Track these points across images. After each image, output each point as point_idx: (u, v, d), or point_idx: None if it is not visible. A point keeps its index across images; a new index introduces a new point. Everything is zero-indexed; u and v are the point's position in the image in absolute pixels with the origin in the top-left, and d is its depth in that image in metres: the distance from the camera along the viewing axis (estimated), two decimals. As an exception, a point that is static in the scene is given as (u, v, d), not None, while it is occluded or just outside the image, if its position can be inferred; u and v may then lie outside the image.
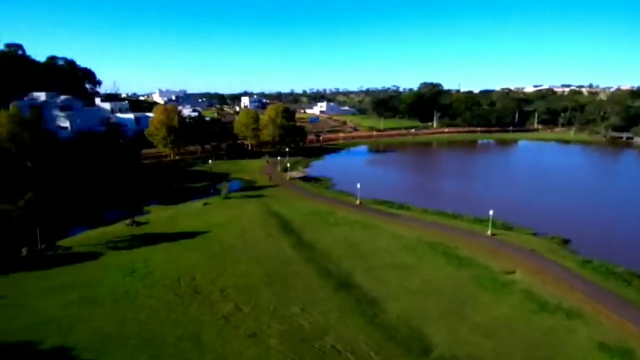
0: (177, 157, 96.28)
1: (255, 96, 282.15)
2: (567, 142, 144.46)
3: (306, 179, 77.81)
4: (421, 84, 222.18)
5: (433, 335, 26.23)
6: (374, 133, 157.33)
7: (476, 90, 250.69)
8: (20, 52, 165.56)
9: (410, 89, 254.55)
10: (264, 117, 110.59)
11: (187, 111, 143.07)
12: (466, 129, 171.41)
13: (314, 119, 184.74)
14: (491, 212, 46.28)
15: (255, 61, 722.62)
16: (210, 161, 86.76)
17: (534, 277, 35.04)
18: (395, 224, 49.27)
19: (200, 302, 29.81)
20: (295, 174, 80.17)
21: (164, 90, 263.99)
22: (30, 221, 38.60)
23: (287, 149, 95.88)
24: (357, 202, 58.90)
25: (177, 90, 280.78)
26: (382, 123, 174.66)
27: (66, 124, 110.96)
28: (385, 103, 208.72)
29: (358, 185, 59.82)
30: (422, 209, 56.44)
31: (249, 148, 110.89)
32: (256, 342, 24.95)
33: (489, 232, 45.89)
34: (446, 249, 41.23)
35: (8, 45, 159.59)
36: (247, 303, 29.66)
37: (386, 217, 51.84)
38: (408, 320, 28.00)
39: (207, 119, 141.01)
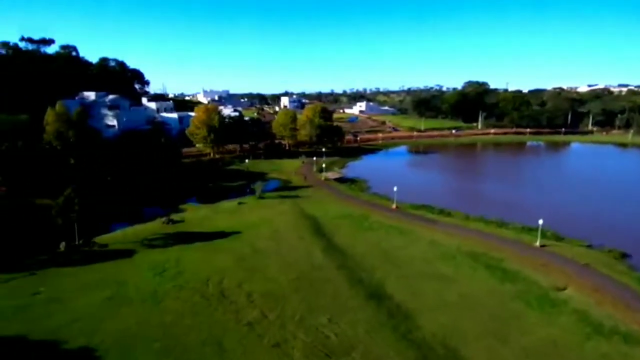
0: (216, 156, 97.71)
1: (294, 96, 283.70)
2: (624, 145, 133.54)
3: (342, 180, 76.23)
4: (466, 82, 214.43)
5: (471, 358, 23.92)
6: (414, 133, 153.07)
7: (525, 90, 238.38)
8: (74, 53, 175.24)
9: (454, 89, 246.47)
10: (302, 117, 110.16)
11: (227, 111, 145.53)
12: (514, 130, 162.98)
13: (353, 119, 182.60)
14: (540, 222, 42.66)
15: (296, 61, 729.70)
16: (247, 160, 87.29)
17: (588, 295, 31.61)
18: (433, 230, 46.69)
19: (226, 306, 29.09)
20: (330, 174, 78.82)
21: (208, 90, 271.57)
22: (68, 217, 39.69)
23: (323, 149, 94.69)
24: (394, 206, 56.62)
25: (221, 90, 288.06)
26: (423, 123, 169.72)
27: (114, 122, 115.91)
28: (427, 102, 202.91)
29: (395, 189, 57.51)
30: (463, 214, 53.32)
31: (287, 148, 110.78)
32: (279, 353, 23.78)
33: (537, 243, 42.34)
34: (489, 260, 38.30)
35: (63, 47, 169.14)
36: (273, 310, 28.59)
37: (424, 223, 49.30)
38: (444, 338, 25.80)
39: (247, 118, 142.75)
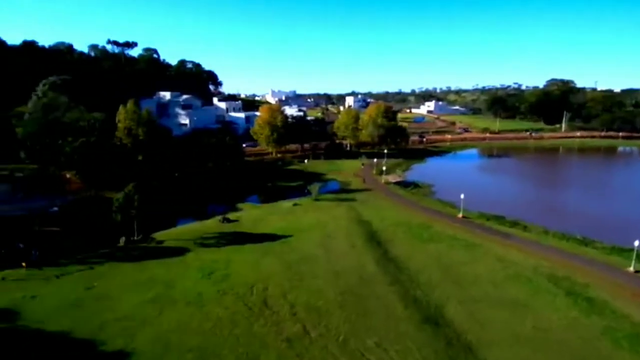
0: (277, 155, 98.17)
1: (360, 96, 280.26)
2: None
3: (403, 184, 72.09)
4: (548, 81, 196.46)
5: (547, 412, 19.76)
6: (488, 135, 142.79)
7: (617, 89, 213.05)
8: (155, 55, 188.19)
9: (535, 87, 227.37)
10: (365, 116, 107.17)
11: (292, 111, 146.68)
12: (603, 133, 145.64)
13: (419, 119, 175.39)
14: (637, 243, 35.94)
15: (364, 61, 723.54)
16: (306, 161, 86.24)
17: None
18: (504, 245, 41.54)
19: (267, 317, 27.42)
20: (391, 177, 74.99)
21: (276, 91, 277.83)
22: (128, 213, 40.81)
23: (385, 151, 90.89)
24: (460, 214, 51.77)
25: (288, 91, 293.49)
26: (497, 124, 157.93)
27: (186, 121, 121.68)
28: (502, 102, 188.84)
29: (462, 196, 52.61)
30: (541, 228, 47.20)
31: (348, 148, 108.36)
32: (317, 379, 21.49)
33: (631, 268, 35.79)
34: (572, 285, 32.80)
35: (145, 50, 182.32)
36: (316, 326, 26.34)
37: (494, 236, 44.17)
38: (512, 381, 21.79)
39: (311, 118, 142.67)
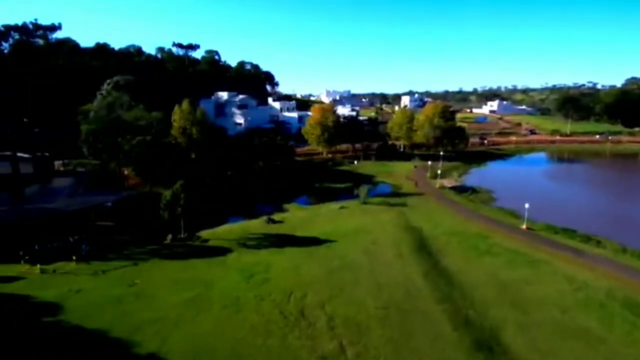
0: (327, 156, 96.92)
1: (417, 95, 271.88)
2: None
3: (459, 189, 67.52)
4: (627, 79, 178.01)
5: None
6: (557, 138, 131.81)
7: None
8: (216, 57, 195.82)
9: (612, 86, 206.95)
10: (420, 116, 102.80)
11: (345, 110, 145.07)
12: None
13: (481, 119, 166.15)
14: None
15: (421, 59, 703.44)
16: (356, 162, 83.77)
17: None
18: (574, 263, 36.76)
19: (302, 330, 25.81)
20: (446, 182, 70.63)
21: (331, 91, 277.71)
22: (174, 211, 41.28)
23: (441, 153, 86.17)
24: (523, 226, 47.01)
25: (342, 90, 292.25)
26: (569, 126, 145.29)
27: (241, 120, 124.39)
28: (575, 101, 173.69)
29: (527, 205, 47.78)
30: (618, 245, 41.45)
31: (401, 149, 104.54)
32: (350, 406, 19.49)
33: None
34: (656, 316, 27.89)
35: (207, 52, 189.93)
36: (354, 344, 24.29)
37: (562, 252, 39.32)
38: None
39: (363, 118, 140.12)
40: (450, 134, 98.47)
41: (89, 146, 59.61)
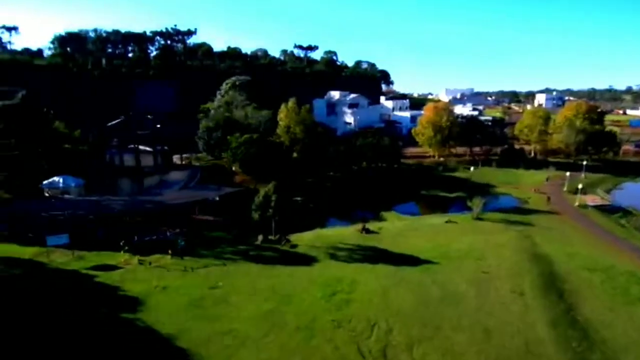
0: (439, 159, 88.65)
1: (555, 93, 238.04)
2: None
3: (607, 209, 54.30)
4: None
5: None
6: None
7: None
8: (334, 57, 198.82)
9: None
10: (558, 117, 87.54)
11: (465, 109, 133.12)
12: None
13: (636, 123, 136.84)
14: None
15: (560, 52, 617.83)
16: (473, 168, 74.07)
17: None
18: None
19: (381, 376, 21.34)
20: (589, 199, 57.57)
21: (451, 89, 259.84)
22: (265, 212, 40.00)
23: (584, 162, 71.39)
24: (703, 268, 34.66)
25: (464, 88, 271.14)
26: None
27: (351, 119, 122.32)
28: None
29: None
30: None
31: (531, 155, 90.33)
32: None
33: None
34: None
35: (326, 52, 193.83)
36: (444, 410, 18.97)
37: None
38: None
39: (486, 118, 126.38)
40: (596, 139, 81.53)
41: (203, 142, 62.87)
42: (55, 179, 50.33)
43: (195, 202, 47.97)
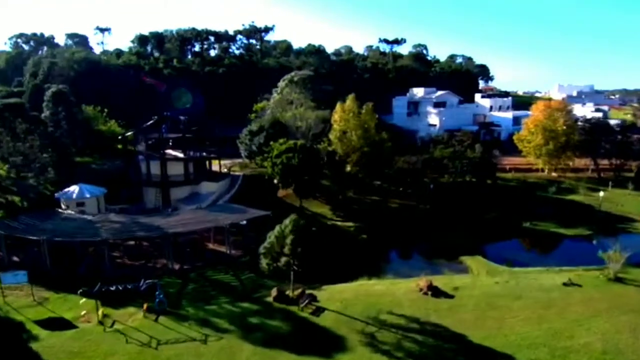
0: (552, 174, 68.41)
1: None
2: None
3: None
4: None
5: None
6: None
7: None
8: (424, 51, 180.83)
9: None
10: None
11: (585, 111, 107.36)
12: None
13: None
14: None
15: None
16: (602, 192, 52.99)
17: None
18: None
19: None
20: None
21: (565, 86, 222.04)
22: (277, 259, 27.85)
23: None
24: None
25: (582, 85, 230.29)
26: None
27: (436, 121, 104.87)
28: None
29: None
30: None
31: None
32: None
33: None
34: None
35: (414, 46, 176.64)
36: None
37: None
38: None
39: (615, 122, 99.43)
40: None
41: (245, 147, 53.20)
42: (71, 188, 44.08)
43: (211, 229, 37.64)
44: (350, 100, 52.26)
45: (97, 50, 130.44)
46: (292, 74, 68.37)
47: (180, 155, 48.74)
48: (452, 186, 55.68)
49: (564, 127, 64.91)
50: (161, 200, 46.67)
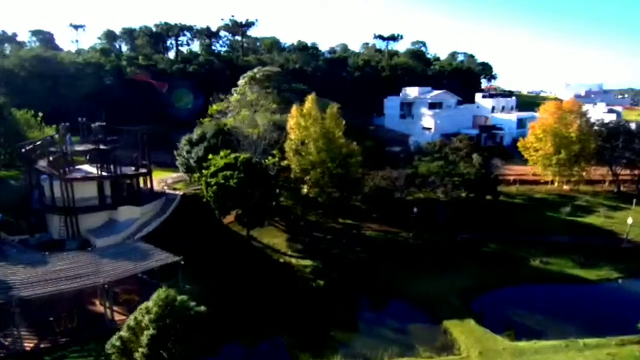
0: (563, 187, 57.75)
1: None
2: None
3: None
4: None
5: None
6: None
7: None
8: (423, 48, 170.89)
9: None
10: None
11: (597, 111, 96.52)
12: None
13: None
14: None
15: None
16: (630, 219, 41.48)
17: None
18: None
19: None
20: None
21: (572, 84, 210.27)
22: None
23: None
24: None
25: (591, 84, 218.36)
26: None
27: (430, 124, 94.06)
28: None
29: None
30: None
31: None
32: None
33: None
34: None
35: (413, 43, 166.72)
36: None
37: None
38: None
39: (636, 125, 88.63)
40: None
41: (182, 161, 42.81)
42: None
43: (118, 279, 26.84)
44: (309, 102, 40.94)
45: (72, 48, 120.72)
46: (255, 70, 57.85)
47: (93, 172, 38.28)
48: (443, 206, 44.89)
49: (579, 133, 54.37)
50: (66, 231, 36.38)
